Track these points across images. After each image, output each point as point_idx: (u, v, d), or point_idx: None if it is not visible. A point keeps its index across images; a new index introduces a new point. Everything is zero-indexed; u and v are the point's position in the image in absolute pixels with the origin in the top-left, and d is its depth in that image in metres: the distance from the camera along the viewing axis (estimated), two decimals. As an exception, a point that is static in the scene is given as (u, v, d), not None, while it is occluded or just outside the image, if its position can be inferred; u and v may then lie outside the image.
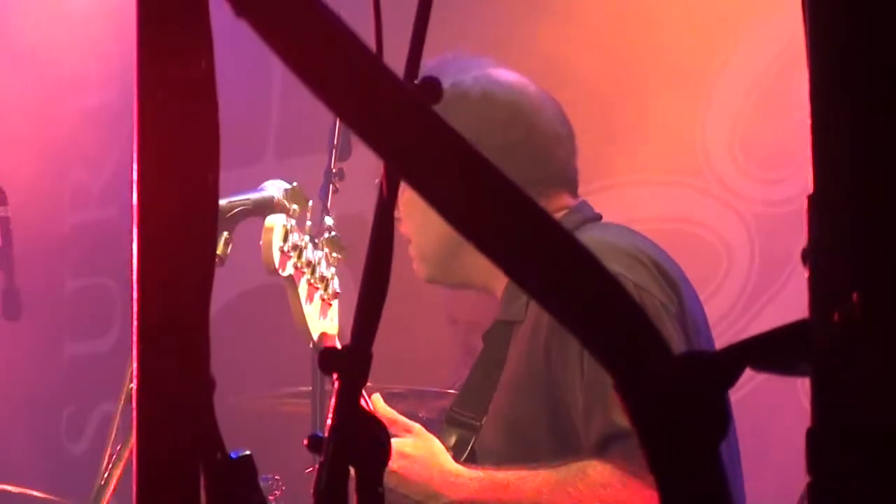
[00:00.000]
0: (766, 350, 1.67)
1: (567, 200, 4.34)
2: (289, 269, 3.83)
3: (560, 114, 4.37)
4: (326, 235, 3.96)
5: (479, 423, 4.18)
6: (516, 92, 4.35)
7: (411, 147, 1.68)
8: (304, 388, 5.75)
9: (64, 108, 8.31)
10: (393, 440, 3.93)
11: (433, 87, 2.07)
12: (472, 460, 4.16)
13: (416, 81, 2.03)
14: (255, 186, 4.25)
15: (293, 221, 3.82)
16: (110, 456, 4.62)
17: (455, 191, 1.69)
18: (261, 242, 3.82)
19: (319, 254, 3.90)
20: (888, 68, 1.55)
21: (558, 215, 4.26)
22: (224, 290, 7.02)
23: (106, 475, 4.65)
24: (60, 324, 8.23)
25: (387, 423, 3.93)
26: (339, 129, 4.20)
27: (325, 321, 3.95)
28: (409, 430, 4.03)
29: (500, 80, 4.38)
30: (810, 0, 1.59)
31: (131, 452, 4.46)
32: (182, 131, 1.84)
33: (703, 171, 7.53)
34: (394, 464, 3.91)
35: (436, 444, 4.03)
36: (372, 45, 1.96)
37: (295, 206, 3.98)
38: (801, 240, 1.63)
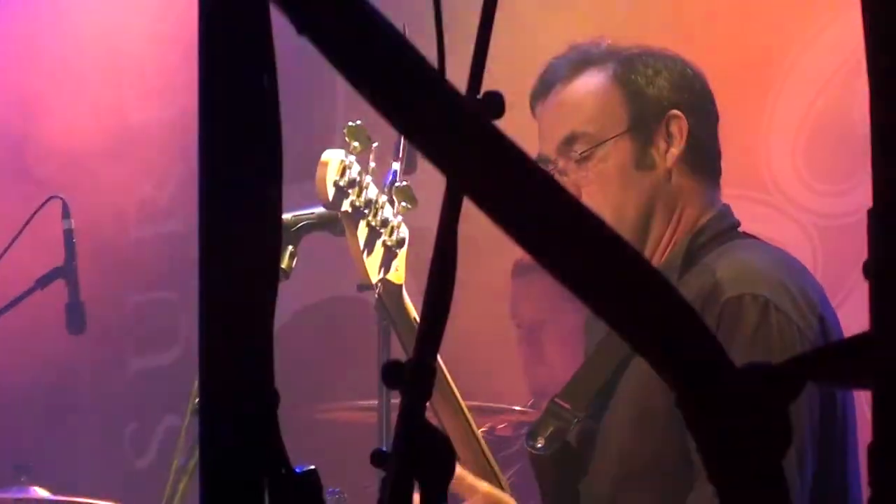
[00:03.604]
0: (827, 363, 1.67)
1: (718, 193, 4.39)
2: (345, 206, 3.77)
3: None
4: (397, 184, 3.91)
5: (576, 419, 4.14)
6: (702, 75, 4.44)
7: (471, 165, 1.69)
8: (370, 402, 5.76)
9: (129, 122, 8.33)
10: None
11: (495, 101, 2.07)
12: (565, 454, 4.13)
13: (478, 96, 2.03)
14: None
15: (352, 157, 3.75)
16: (176, 469, 4.63)
17: (516, 210, 1.69)
18: (316, 177, 3.78)
19: (384, 197, 3.85)
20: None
21: (714, 207, 4.36)
22: (289, 304, 7.03)
23: (172, 489, 4.67)
24: (124, 338, 8.25)
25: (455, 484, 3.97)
26: (403, 143, 4.18)
27: (387, 267, 3.88)
28: (477, 490, 4.01)
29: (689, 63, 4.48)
30: (870, 14, 1.59)
31: (196, 467, 4.48)
32: (245, 146, 1.85)
33: (767, 184, 7.54)
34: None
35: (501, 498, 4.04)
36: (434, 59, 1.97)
37: (356, 144, 3.87)
38: (864, 252, 1.63)
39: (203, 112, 1.83)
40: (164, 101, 8.05)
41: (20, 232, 6.70)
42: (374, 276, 3.86)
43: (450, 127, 1.68)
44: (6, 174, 8.23)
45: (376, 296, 3.94)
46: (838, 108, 7.34)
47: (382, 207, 3.86)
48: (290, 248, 4.10)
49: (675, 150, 4.21)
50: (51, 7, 8.63)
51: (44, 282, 6.69)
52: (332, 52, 1.64)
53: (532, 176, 1.68)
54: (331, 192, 3.74)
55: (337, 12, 1.65)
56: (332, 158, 3.76)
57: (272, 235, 1.91)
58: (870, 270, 1.59)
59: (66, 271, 6.66)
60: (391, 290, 3.91)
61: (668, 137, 4.22)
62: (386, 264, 3.90)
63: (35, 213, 6.70)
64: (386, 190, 3.91)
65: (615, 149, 4.18)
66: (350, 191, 3.77)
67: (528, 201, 1.65)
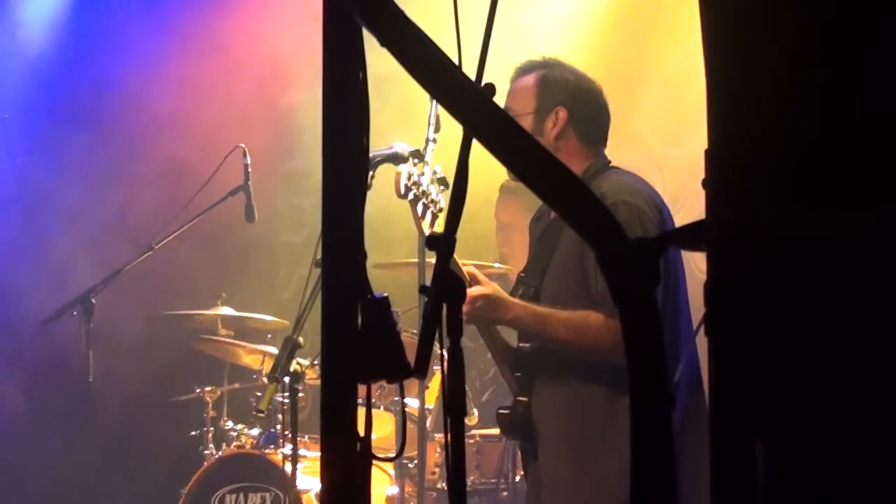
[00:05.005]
0: (680, 236, 1.66)
1: (601, 150, 4.33)
2: (410, 196, 3.86)
3: (605, 98, 4.39)
4: (436, 175, 4.01)
5: (534, 284, 4.21)
6: (592, 82, 4.36)
7: (478, 119, 1.67)
8: (410, 261, 5.76)
9: (278, 100, 8.10)
10: (477, 287, 4.03)
11: (491, 88, 2.05)
12: (528, 301, 4.19)
13: (482, 84, 2.00)
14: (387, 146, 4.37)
15: (414, 168, 3.91)
16: (306, 297, 4.63)
17: (503, 146, 1.67)
18: (394, 180, 3.87)
19: (432, 186, 3.95)
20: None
21: (594, 159, 4.30)
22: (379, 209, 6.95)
23: (303, 308, 4.66)
24: (277, 224, 8.17)
25: (476, 277, 4.06)
26: (434, 111, 4.22)
27: (433, 225, 3.98)
28: (484, 282, 4.08)
29: (583, 75, 4.40)
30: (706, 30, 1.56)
31: (317, 294, 4.49)
32: (349, 111, 1.83)
33: (637, 142, 7.51)
34: (478, 302, 3.99)
35: (499, 289, 4.09)
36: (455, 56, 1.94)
37: (415, 160, 4.07)
38: (692, 181, 1.62)
39: (326, 91, 1.81)
40: (304, 85, 7.77)
41: (220, 166, 6.65)
42: (427, 230, 3.94)
43: (465, 99, 1.66)
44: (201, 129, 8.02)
45: (425, 238, 4.11)
46: (677, 97, 7.29)
47: (430, 192, 3.95)
48: (371, 172, 4.19)
49: (555, 130, 4.22)
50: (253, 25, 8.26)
51: (233, 192, 6.68)
52: (399, 57, 1.62)
53: (511, 125, 1.66)
54: (403, 189, 3.85)
55: (402, 35, 1.62)
56: (403, 170, 3.88)
57: (363, 162, 1.89)
58: (705, 184, 1.57)
59: (244, 187, 6.65)
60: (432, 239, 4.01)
61: (555, 122, 4.22)
62: (432, 223, 3.97)
63: (226, 157, 6.66)
64: (433, 181, 3.99)
65: (524, 121, 4.21)
66: (413, 187, 3.87)
67: (509, 139, 1.63)
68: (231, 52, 8.08)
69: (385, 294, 1.96)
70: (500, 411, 4.23)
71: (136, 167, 7.96)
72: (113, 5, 8.03)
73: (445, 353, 2.13)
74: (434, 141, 4.30)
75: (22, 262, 7.72)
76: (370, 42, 1.73)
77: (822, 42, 1.46)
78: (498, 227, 7.04)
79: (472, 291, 3.99)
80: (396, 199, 3.92)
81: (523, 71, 4.37)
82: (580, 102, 4.28)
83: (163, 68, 7.99)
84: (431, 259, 2.40)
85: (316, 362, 6.37)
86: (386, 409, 6.39)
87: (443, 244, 2.08)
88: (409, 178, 3.85)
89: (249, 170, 6.66)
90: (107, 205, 7.90)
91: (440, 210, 4.00)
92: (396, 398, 6.29)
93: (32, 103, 7.91)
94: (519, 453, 4.82)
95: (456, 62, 1.93)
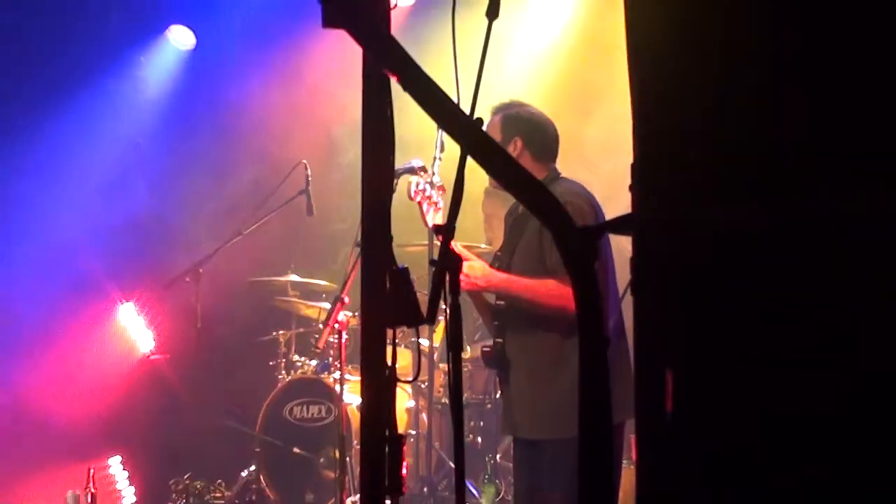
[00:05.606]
0: (615, 225, 1.63)
1: (552, 165, 4.25)
2: (417, 198, 3.81)
3: (555, 127, 4.30)
4: (436, 182, 3.95)
5: (506, 259, 4.14)
6: (543, 116, 4.26)
7: (471, 143, 1.64)
8: (423, 243, 5.72)
9: (329, 130, 8.04)
10: (468, 261, 3.99)
11: (480, 121, 2.02)
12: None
13: (474, 117, 1.97)
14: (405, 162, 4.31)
15: (419, 178, 3.84)
16: (350, 268, 4.60)
17: (489, 162, 1.65)
18: (404, 186, 3.84)
19: (434, 190, 3.90)
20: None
21: (547, 171, 4.19)
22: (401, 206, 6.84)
23: (346, 275, 4.64)
24: (330, 219, 8.10)
25: (462, 254, 3.99)
26: (440, 137, 4.17)
27: (435, 218, 3.93)
28: (469, 258, 4.02)
29: (536, 112, 4.27)
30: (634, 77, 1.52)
31: (356, 270, 4.46)
32: (382, 135, 1.80)
33: (581, 158, 7.38)
34: (467, 268, 3.95)
35: (483, 262, 4.04)
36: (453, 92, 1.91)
37: (422, 172, 3.98)
38: (622, 186, 1.59)
39: (365, 121, 1.79)
40: (348, 117, 7.68)
41: (286, 177, 6.60)
42: (431, 223, 3.88)
43: (463, 128, 1.64)
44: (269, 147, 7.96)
45: (431, 227, 4.03)
46: (613, 124, 7.19)
47: (433, 195, 3.88)
48: (395, 180, 4.13)
49: (515, 153, 4.10)
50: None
51: (298, 194, 6.62)
52: (415, 97, 1.59)
53: (495, 147, 1.64)
54: (411, 192, 3.80)
55: (417, 81, 1.60)
56: (412, 179, 3.83)
57: (390, 173, 1.87)
58: (632, 190, 1.54)
59: (306, 191, 6.60)
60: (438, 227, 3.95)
61: (514, 148, 4.14)
62: (433, 217, 3.89)
63: (293, 169, 6.60)
64: (434, 187, 3.91)
65: None
66: (419, 191, 3.80)
67: (493, 157, 1.61)
68: (301, 85, 8.02)
69: (405, 265, 1.95)
70: (484, 349, 4.21)
71: (234, 170, 7.92)
72: (212, 53, 7.94)
73: (448, 307, 2.11)
74: (440, 158, 4.27)
75: (159, 241, 7.70)
76: (396, 86, 1.70)
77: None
78: (484, 217, 7.02)
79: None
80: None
81: (494, 111, 4.31)
82: (531, 132, 4.21)
83: (253, 98, 7.93)
84: (437, 242, 2.38)
85: (356, 314, 6.36)
86: (406, 346, 6.38)
87: (445, 231, 2.07)
88: (416, 186, 3.82)
89: (310, 178, 6.63)
90: (215, 198, 7.86)
91: (439, 208, 3.96)
92: (413, 339, 6.28)
93: (158, 131, 7.86)
94: (497, 379, 4.78)
95: (455, 97, 1.91)
